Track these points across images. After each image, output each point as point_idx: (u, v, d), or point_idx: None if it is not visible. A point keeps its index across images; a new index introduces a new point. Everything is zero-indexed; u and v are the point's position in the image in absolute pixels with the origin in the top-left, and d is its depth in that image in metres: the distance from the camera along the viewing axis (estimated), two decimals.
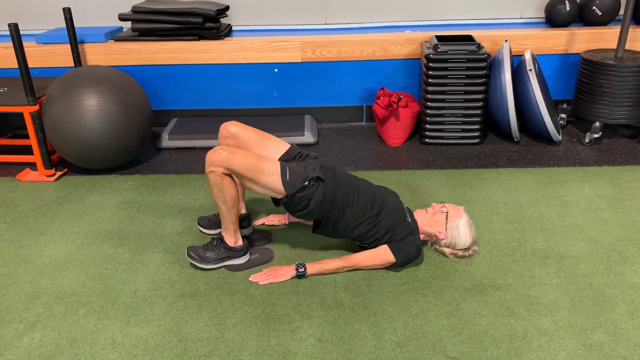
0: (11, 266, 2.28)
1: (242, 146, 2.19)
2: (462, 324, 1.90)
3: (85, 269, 2.25)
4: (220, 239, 2.19)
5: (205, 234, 2.49)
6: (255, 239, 2.41)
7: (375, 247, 2.19)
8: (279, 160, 2.16)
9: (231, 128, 2.22)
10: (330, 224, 2.16)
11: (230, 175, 2.04)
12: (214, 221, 2.47)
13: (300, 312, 1.98)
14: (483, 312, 1.96)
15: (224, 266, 2.21)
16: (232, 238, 2.17)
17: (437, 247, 2.29)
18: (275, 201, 2.14)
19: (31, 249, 2.40)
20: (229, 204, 2.08)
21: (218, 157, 1.98)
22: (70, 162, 3.05)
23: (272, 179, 2.04)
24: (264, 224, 2.55)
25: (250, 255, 2.25)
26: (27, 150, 3.16)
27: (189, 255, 2.19)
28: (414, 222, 2.24)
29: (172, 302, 2.04)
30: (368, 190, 2.20)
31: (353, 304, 2.01)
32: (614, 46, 3.47)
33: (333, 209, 2.12)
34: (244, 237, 2.26)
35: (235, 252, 2.19)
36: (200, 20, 3.43)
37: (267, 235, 2.44)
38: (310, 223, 2.32)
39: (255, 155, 2.08)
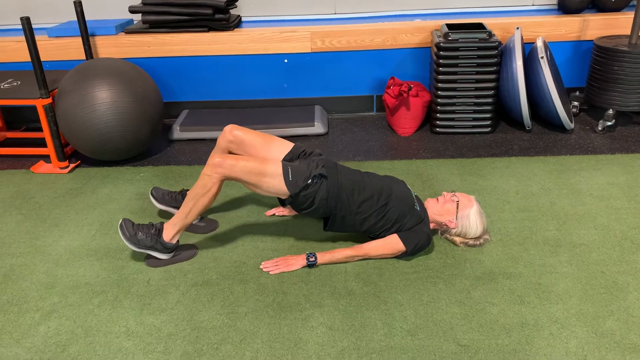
0: (27, 257, 2.32)
1: (246, 150, 2.22)
2: (472, 312, 1.91)
3: (99, 259, 2.28)
4: (159, 229, 2.16)
5: (154, 205, 2.50)
6: (201, 227, 2.45)
7: (385, 236, 2.20)
8: (282, 160, 2.17)
9: (235, 132, 2.23)
10: (338, 220, 2.17)
11: (220, 185, 2.07)
12: (168, 198, 2.47)
13: (311, 300, 1.99)
14: (494, 300, 1.96)
15: (146, 255, 2.21)
16: (172, 234, 2.16)
17: (448, 236, 2.28)
18: (281, 201, 2.16)
19: (46, 239, 2.44)
20: (197, 209, 2.10)
21: (222, 164, 2.00)
22: (83, 154, 3.09)
23: (274, 181, 2.04)
24: (274, 214, 2.56)
25: (175, 254, 2.24)
26: (41, 143, 3.20)
27: (121, 226, 2.15)
28: (423, 210, 2.24)
29: (185, 291, 2.07)
30: (373, 182, 2.20)
31: (364, 293, 2.02)
32: (628, 32, 3.42)
33: (339, 205, 2.12)
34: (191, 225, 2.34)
35: (164, 248, 2.17)
36: (210, 11, 3.43)
37: (213, 223, 2.48)
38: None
39: (256, 159, 2.09)
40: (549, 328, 1.83)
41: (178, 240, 2.20)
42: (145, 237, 2.14)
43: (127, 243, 2.15)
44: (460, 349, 1.76)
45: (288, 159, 2.22)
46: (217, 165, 2.01)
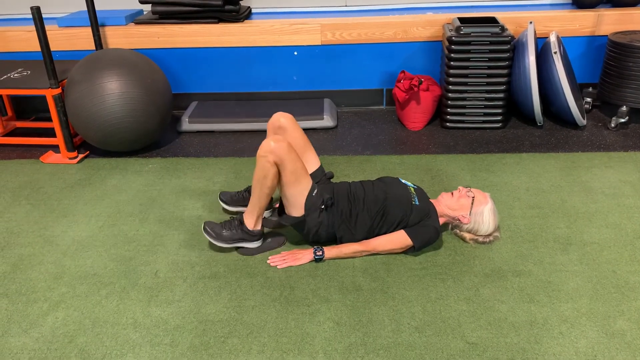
0: (35, 247, 2.33)
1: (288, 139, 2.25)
2: (481, 310, 1.89)
3: (107, 250, 2.28)
4: (240, 220, 2.20)
5: (225, 209, 2.52)
6: (272, 221, 2.43)
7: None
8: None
9: (282, 120, 2.30)
10: (345, 239, 2.20)
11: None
12: (236, 198, 2.50)
13: (319, 295, 1.98)
14: (503, 298, 1.94)
15: (237, 247, 2.23)
16: (253, 222, 2.19)
17: (458, 231, 2.27)
18: (300, 231, 2.23)
19: (54, 230, 2.44)
20: (265, 191, 2.11)
21: (279, 145, 2.03)
22: (92, 144, 3.09)
23: (301, 187, 2.11)
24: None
25: (264, 241, 2.26)
26: (50, 132, 3.20)
27: (205, 230, 2.20)
28: (426, 203, 2.22)
29: (192, 284, 2.06)
30: (363, 194, 2.21)
31: (371, 288, 2.01)
32: None
33: (338, 229, 2.18)
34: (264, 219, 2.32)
35: (251, 236, 2.20)
36: (220, 2, 3.41)
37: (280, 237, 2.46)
38: None
39: (303, 164, 2.13)
40: (559, 327, 1.81)
41: (263, 227, 2.24)
42: (231, 232, 2.19)
43: (215, 243, 2.19)
44: (469, 346, 1.74)
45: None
46: (274, 147, 2.03)
